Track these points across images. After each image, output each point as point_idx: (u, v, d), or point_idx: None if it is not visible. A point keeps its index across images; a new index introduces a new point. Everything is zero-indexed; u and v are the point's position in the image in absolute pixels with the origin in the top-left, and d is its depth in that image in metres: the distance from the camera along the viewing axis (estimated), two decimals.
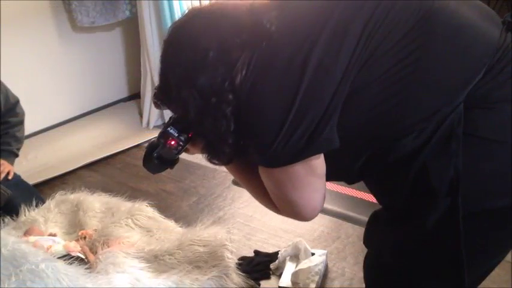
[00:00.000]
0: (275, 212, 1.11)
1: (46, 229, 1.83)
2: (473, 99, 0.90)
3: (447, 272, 0.99)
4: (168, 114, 3.26)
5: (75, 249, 1.65)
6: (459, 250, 0.94)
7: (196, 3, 3.19)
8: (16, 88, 2.28)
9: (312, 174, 0.96)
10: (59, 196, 2.06)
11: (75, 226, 1.91)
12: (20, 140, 2.24)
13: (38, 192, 2.30)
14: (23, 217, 1.92)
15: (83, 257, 1.61)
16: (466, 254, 0.94)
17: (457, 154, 0.90)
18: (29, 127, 3.07)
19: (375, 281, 1.17)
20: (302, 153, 0.91)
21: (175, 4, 3.00)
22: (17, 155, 2.24)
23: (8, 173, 2.12)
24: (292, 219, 1.05)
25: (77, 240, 1.73)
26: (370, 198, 2.33)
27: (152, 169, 1.15)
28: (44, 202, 2.07)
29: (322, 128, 0.90)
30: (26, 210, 1.95)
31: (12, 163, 2.19)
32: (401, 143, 0.93)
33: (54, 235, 1.77)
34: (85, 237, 1.77)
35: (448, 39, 0.90)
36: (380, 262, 1.12)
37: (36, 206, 2.01)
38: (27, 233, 1.74)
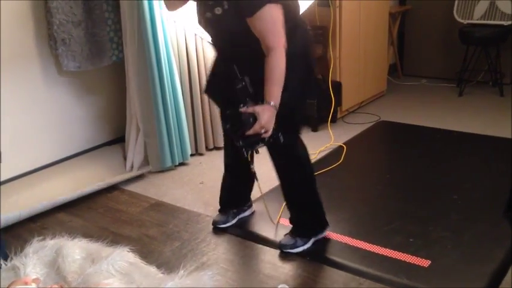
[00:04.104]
0: None
1: (25, 277, 1.78)
2: None
3: None
4: None
5: None
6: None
7: (183, 54, 3.25)
8: None
9: None
10: (37, 242, 2.01)
11: (54, 273, 1.86)
12: None
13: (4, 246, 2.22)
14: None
15: None
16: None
17: None
18: (11, 171, 3.04)
19: None
20: None
21: (162, 50, 3.06)
22: None
23: None
24: None
25: None
26: (355, 243, 2.32)
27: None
28: (7, 257, 2.00)
29: None
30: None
31: None
32: None
33: (38, 281, 1.72)
34: None
35: None
36: None
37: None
38: (11, 285, 1.68)
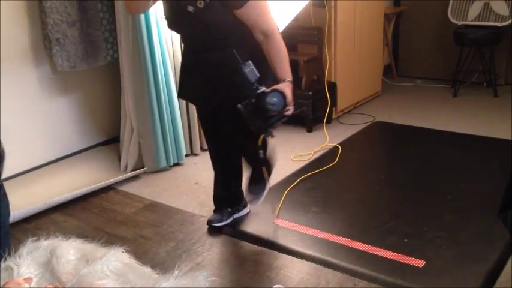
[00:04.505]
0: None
1: (18, 277, 1.77)
2: None
3: None
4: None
5: None
6: None
7: (178, 54, 3.24)
8: None
9: None
10: (31, 242, 2.00)
11: (48, 274, 1.85)
12: None
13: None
14: None
15: None
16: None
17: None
18: (5, 171, 3.01)
19: None
20: None
21: (156, 50, 3.05)
22: None
23: None
24: None
25: None
26: (350, 243, 2.33)
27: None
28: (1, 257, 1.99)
29: None
30: None
31: None
32: None
33: (30, 281, 1.71)
34: None
35: None
36: None
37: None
38: (4, 285, 1.67)
